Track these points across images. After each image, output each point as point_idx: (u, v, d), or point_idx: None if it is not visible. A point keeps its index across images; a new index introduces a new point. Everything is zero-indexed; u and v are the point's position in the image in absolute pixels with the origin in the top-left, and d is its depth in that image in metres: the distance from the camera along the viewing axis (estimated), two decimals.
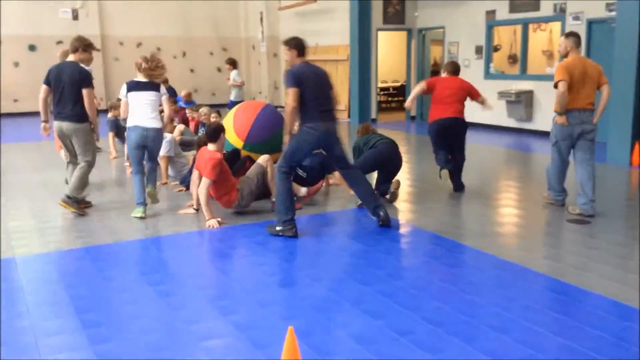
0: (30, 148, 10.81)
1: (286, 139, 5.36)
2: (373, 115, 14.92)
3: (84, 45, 6.17)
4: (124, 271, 4.56)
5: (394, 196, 6.67)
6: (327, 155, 5.75)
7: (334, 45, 15.82)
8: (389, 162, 6.73)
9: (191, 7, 19.02)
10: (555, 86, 5.70)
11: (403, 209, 6.46)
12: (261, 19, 18.59)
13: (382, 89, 17.97)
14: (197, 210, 6.13)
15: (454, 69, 7.06)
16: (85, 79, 6.03)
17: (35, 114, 8.34)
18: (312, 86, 5.25)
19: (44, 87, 6.04)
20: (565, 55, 5.88)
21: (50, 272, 4.53)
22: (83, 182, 6.14)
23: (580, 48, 5.92)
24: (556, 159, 6.04)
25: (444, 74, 7.19)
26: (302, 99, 5.22)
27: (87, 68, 6.28)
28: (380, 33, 14.82)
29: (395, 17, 14.83)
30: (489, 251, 4.89)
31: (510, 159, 9.87)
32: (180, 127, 8.98)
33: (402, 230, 5.65)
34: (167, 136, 7.68)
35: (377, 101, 15.28)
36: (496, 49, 13.34)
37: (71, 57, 6.18)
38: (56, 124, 6.12)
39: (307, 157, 6.10)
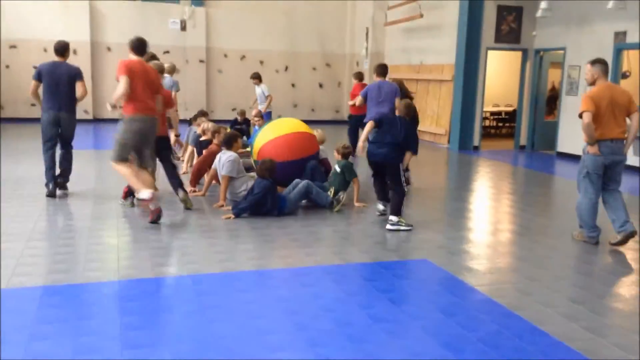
0: None
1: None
2: (475, 142, 13.59)
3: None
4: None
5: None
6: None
7: (439, 64, 14.68)
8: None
9: (298, 21, 18.65)
10: (581, 116, 5.60)
11: (486, 271, 5.31)
12: (366, 35, 17.83)
13: (492, 113, 16.54)
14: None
15: None
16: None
17: None
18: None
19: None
20: (593, 84, 5.76)
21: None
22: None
23: (608, 75, 5.84)
24: (589, 191, 5.84)
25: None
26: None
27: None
28: (490, 52, 13.51)
29: (510, 35, 13.45)
30: (591, 356, 3.63)
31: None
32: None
33: (480, 306, 4.53)
34: (232, 155, 7.06)
35: (480, 126, 13.88)
36: (625, 76, 11.60)
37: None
38: None
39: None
